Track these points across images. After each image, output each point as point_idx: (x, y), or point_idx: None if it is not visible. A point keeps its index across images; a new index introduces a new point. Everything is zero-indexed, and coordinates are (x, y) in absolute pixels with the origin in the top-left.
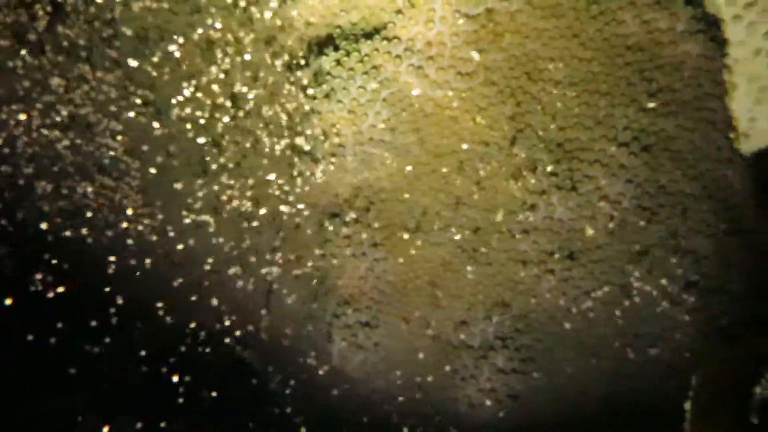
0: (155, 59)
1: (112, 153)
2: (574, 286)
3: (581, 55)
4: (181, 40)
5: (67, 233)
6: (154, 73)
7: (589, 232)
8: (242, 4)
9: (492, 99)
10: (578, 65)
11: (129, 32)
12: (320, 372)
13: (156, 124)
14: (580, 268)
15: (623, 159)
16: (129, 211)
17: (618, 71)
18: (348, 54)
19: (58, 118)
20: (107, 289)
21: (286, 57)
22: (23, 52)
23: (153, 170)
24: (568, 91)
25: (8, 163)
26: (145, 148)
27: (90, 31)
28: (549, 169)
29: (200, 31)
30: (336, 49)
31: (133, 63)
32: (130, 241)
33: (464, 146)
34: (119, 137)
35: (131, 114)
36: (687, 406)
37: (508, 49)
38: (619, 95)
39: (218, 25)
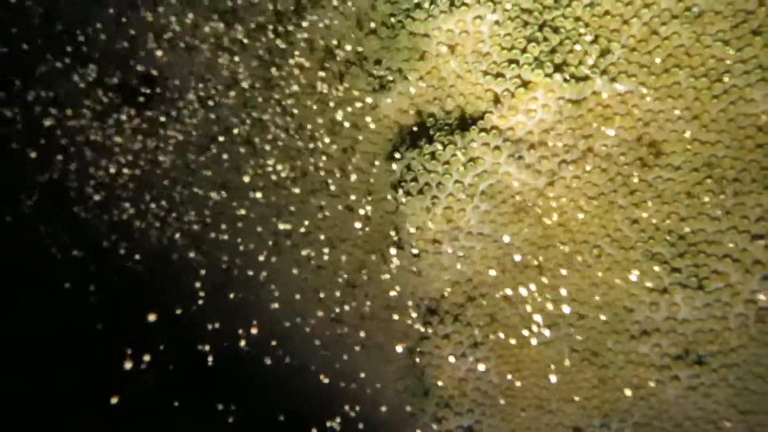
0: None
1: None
2: (705, 394)
3: (703, 137)
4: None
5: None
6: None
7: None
8: (334, 91)
9: (602, 188)
10: (700, 149)
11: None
12: None
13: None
14: (711, 374)
15: (759, 254)
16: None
17: (747, 155)
18: (443, 147)
19: None
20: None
21: (377, 148)
22: None
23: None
24: (690, 178)
25: None
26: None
27: None
28: (671, 264)
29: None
30: (430, 141)
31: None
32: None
33: (572, 239)
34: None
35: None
36: None
37: (619, 134)
38: (749, 182)
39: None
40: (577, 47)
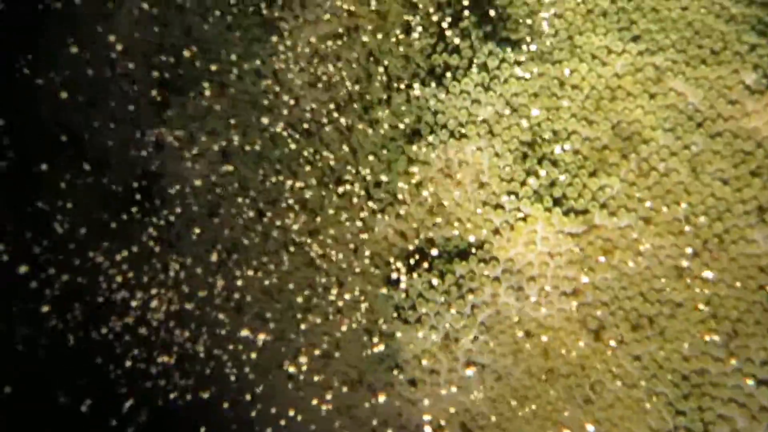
0: None
1: None
2: None
3: (705, 276)
4: None
5: None
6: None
7: None
8: (331, 210)
9: (603, 321)
10: (702, 287)
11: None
12: None
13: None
14: None
15: (764, 399)
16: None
17: (750, 296)
18: (442, 276)
19: None
20: None
21: (376, 270)
22: None
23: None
24: (692, 316)
25: None
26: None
27: None
28: (676, 406)
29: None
30: (429, 268)
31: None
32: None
33: (573, 372)
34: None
35: None
36: None
37: (619, 267)
38: (753, 324)
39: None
40: (576, 181)
